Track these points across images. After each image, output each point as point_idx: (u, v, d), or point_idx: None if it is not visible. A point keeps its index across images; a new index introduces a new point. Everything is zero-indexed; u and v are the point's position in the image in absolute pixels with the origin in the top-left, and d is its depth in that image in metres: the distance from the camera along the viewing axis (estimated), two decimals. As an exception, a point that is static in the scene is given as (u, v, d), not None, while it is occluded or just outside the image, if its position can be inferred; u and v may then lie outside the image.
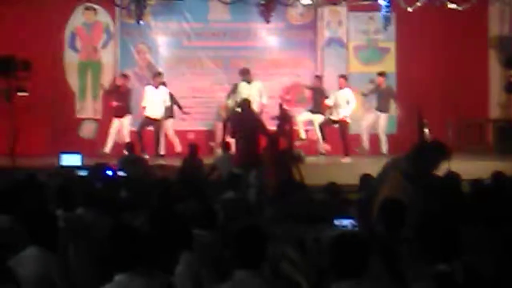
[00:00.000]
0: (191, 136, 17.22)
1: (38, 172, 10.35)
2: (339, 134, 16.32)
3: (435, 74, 18.05)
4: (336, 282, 4.42)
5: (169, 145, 16.75)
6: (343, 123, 16.28)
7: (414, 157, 6.82)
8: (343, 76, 16.77)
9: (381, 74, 16.90)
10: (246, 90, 15.93)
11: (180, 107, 16.77)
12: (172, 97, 16.56)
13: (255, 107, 14.80)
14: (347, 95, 16.27)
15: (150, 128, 16.31)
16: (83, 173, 9.79)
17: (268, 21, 17.41)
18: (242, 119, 12.65)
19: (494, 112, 18.70)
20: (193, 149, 14.03)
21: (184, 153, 14.99)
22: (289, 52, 18.44)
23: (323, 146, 16.46)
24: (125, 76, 17.04)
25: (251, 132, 12.23)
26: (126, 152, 14.02)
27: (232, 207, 8.03)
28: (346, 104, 16.18)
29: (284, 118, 16.00)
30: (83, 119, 17.85)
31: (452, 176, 9.05)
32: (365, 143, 16.56)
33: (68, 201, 7.24)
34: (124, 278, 4.38)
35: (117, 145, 16.09)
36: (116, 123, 16.43)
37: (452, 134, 15.36)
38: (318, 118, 16.60)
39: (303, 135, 16.75)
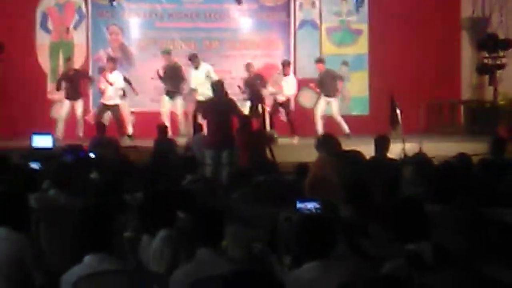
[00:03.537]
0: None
1: (10, 153, 10.28)
2: (285, 115, 16.30)
3: (407, 55, 18.10)
4: (306, 262, 4.46)
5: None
6: (286, 103, 16.32)
7: None
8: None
9: (318, 60, 16.84)
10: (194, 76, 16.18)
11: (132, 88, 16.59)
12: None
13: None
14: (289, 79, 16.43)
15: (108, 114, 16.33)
16: (35, 165, 9.73)
17: (240, 3, 17.40)
18: (215, 100, 12.64)
19: (466, 93, 18.81)
20: (162, 130, 13.94)
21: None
22: (262, 33, 18.41)
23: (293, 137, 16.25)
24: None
25: (224, 112, 12.21)
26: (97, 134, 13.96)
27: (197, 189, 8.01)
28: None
29: (257, 99, 16.01)
30: (55, 100, 17.73)
31: (423, 157, 9.13)
32: (319, 127, 16.22)
33: (40, 183, 7.27)
34: (94, 259, 4.40)
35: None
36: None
37: (424, 115, 15.44)
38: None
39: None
